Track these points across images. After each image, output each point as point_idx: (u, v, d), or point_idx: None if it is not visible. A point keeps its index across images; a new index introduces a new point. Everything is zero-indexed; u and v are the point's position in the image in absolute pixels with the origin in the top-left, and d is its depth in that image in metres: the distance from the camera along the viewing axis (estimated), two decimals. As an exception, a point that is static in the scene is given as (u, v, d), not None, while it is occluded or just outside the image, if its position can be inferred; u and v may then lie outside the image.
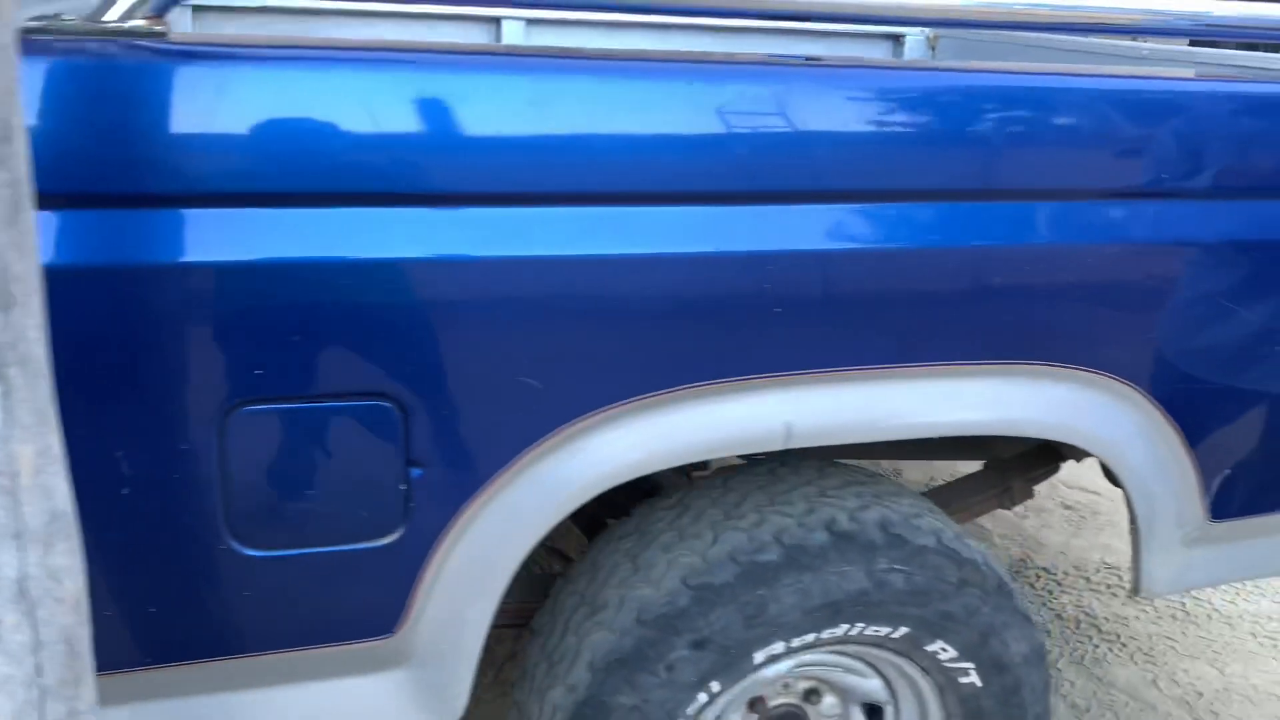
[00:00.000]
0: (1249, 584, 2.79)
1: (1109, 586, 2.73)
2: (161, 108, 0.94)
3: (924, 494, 1.93)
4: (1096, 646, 2.47)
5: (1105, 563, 2.84)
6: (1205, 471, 1.46)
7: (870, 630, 1.40)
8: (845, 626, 1.39)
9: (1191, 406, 1.42)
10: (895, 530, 1.38)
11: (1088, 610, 2.62)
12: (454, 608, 1.20)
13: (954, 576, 1.41)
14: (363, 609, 1.17)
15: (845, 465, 1.55)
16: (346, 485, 1.09)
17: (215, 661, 1.13)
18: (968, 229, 1.24)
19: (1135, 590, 1.57)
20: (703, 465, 1.58)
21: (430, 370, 1.07)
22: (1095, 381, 1.34)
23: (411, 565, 1.15)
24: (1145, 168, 1.29)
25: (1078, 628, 2.54)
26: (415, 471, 1.11)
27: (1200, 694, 2.32)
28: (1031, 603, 2.63)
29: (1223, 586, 2.77)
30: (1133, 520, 1.48)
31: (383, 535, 1.13)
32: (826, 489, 1.45)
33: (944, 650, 1.45)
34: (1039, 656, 1.51)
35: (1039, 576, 2.76)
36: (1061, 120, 1.25)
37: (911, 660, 1.48)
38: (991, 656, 1.47)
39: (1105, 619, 2.58)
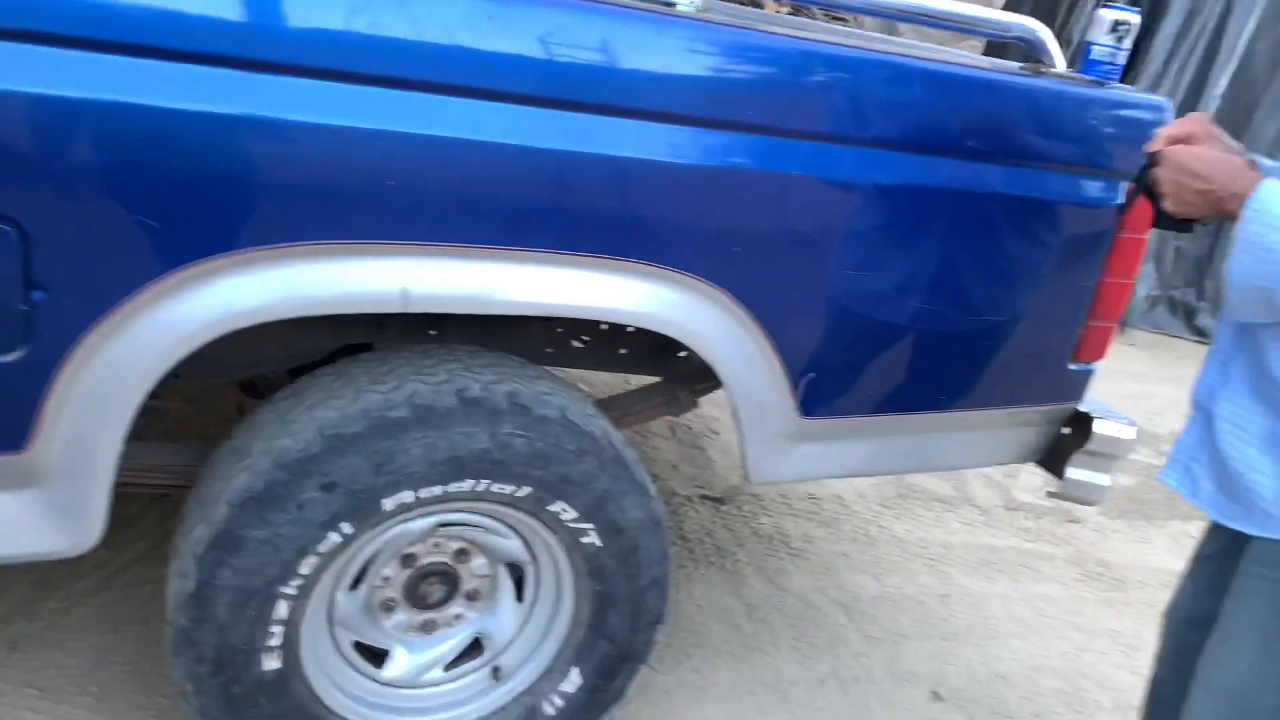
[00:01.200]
0: (924, 516, 3.18)
1: (807, 513, 3.06)
2: None
3: (606, 399, 2.17)
4: (782, 560, 2.77)
5: (810, 494, 3.17)
6: (792, 371, 1.72)
7: (496, 488, 1.60)
8: (472, 482, 1.57)
9: (776, 312, 1.66)
10: (521, 401, 1.58)
11: (782, 530, 2.93)
12: (83, 431, 1.32)
13: (573, 445, 1.62)
14: (-10, 421, 1.28)
15: (498, 351, 1.74)
16: (-32, 300, 1.20)
17: None
18: (573, 137, 1.43)
19: (745, 477, 1.83)
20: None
21: (50, 200, 1.19)
22: (686, 282, 1.57)
23: (36, 384, 1.27)
24: (737, 104, 1.53)
25: (770, 544, 2.84)
26: (37, 294, 1.22)
27: (859, 599, 2.65)
28: (735, 521, 2.92)
29: (906, 517, 3.15)
30: (733, 410, 1.73)
31: (6, 352, 1.24)
32: (472, 365, 1.63)
33: (566, 511, 1.66)
34: (655, 525, 1.74)
35: (748, 501, 3.06)
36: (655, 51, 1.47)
37: (540, 520, 1.69)
38: (609, 520, 1.69)
39: (796, 538, 2.90)
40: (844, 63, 1.64)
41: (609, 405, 2.16)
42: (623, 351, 2.31)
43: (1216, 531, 1.67)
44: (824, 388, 1.78)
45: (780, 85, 1.59)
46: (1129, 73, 5.63)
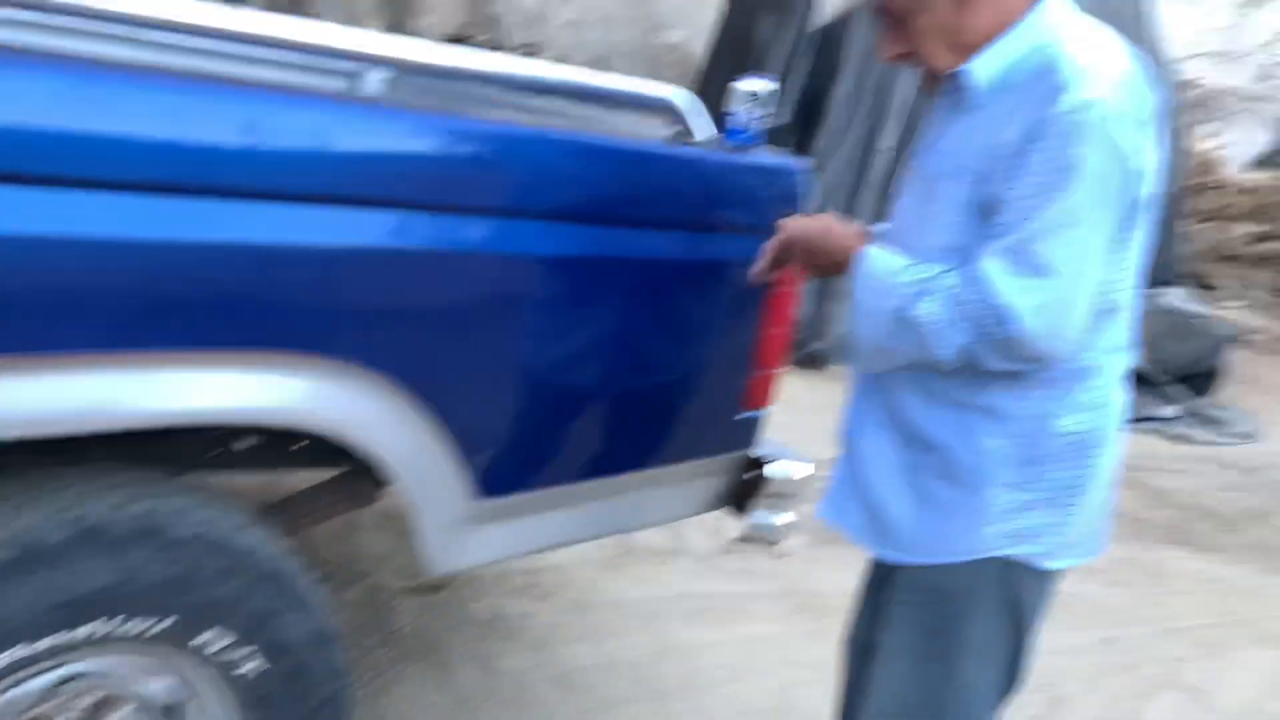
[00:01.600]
0: (642, 572, 3.22)
1: (524, 588, 3.00)
2: None
3: (277, 502, 2.01)
4: (497, 642, 2.69)
5: (527, 569, 3.12)
6: (468, 451, 1.67)
7: (133, 624, 1.41)
8: (99, 623, 1.38)
9: (445, 392, 1.60)
10: (152, 523, 1.41)
11: (499, 611, 2.85)
12: None
13: (217, 565, 1.46)
14: None
15: (141, 465, 1.54)
16: None
17: None
18: (191, 224, 1.31)
19: (422, 569, 1.74)
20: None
21: None
22: (336, 370, 1.48)
23: None
24: (384, 181, 1.48)
25: (486, 627, 2.76)
26: None
27: (575, 670, 2.62)
28: (450, 608, 2.81)
29: (624, 576, 3.16)
30: (404, 501, 1.65)
31: None
32: (98, 487, 1.44)
33: (221, 637, 1.50)
34: (324, 639, 1.61)
35: (465, 585, 2.96)
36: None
37: (193, 652, 1.51)
38: (269, 641, 1.54)
39: (513, 617, 2.83)
40: (496, 138, 1.64)
41: (281, 509, 2.00)
42: (300, 445, 2.15)
43: (876, 561, 1.78)
44: (505, 465, 1.75)
45: (427, 161, 1.56)
46: (812, 132, 6.17)
